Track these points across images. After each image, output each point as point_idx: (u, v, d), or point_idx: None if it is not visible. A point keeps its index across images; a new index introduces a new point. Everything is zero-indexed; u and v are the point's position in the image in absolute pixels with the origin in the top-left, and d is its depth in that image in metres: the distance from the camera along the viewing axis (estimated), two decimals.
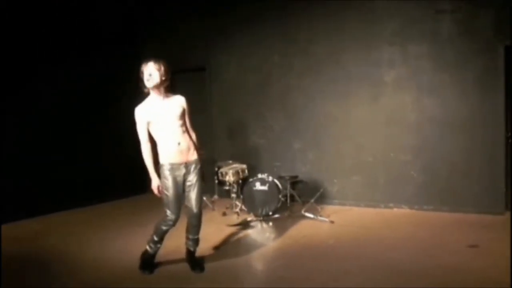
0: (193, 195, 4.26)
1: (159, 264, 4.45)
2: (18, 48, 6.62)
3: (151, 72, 4.01)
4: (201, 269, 4.33)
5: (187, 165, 4.20)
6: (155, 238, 4.28)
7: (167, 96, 4.18)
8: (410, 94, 6.74)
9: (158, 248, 4.36)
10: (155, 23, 8.63)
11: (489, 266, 4.19)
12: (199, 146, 4.38)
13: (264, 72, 7.78)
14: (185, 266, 4.37)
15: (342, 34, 7.13)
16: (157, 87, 4.07)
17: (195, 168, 4.25)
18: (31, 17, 6.77)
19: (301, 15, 7.40)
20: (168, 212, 4.16)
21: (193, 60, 8.26)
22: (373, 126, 7.00)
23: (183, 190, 4.24)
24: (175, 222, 4.19)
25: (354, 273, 4.21)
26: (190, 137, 4.30)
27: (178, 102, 4.22)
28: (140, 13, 8.55)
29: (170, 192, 4.14)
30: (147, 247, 4.35)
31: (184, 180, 4.22)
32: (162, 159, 4.19)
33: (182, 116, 4.21)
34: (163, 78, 4.06)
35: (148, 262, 4.35)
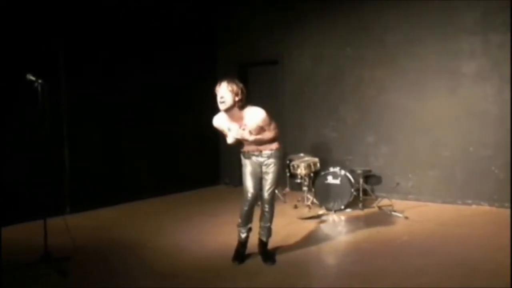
0: (265, 182, 4.39)
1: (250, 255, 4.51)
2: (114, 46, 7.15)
3: (223, 95, 4.05)
4: (273, 261, 4.38)
5: (262, 153, 4.34)
6: (239, 220, 4.44)
7: (241, 116, 4.17)
8: (492, 86, 6.43)
9: (245, 234, 4.45)
10: (229, 18, 8.76)
11: None
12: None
13: (336, 64, 7.69)
14: (258, 258, 4.44)
15: (417, 24, 6.91)
16: (230, 108, 4.11)
17: (271, 156, 4.34)
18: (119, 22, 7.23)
19: (374, 4, 7.23)
20: (245, 189, 4.36)
21: (265, 53, 8.31)
22: (450, 119, 6.75)
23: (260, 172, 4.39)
24: (252, 199, 4.34)
25: (429, 271, 4.10)
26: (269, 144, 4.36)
27: (253, 120, 4.17)
28: (214, 7, 8.71)
29: (245, 169, 4.37)
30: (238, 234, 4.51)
31: (261, 164, 4.36)
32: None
33: (258, 131, 4.21)
34: (236, 99, 4.07)
35: (238, 252, 4.45)
